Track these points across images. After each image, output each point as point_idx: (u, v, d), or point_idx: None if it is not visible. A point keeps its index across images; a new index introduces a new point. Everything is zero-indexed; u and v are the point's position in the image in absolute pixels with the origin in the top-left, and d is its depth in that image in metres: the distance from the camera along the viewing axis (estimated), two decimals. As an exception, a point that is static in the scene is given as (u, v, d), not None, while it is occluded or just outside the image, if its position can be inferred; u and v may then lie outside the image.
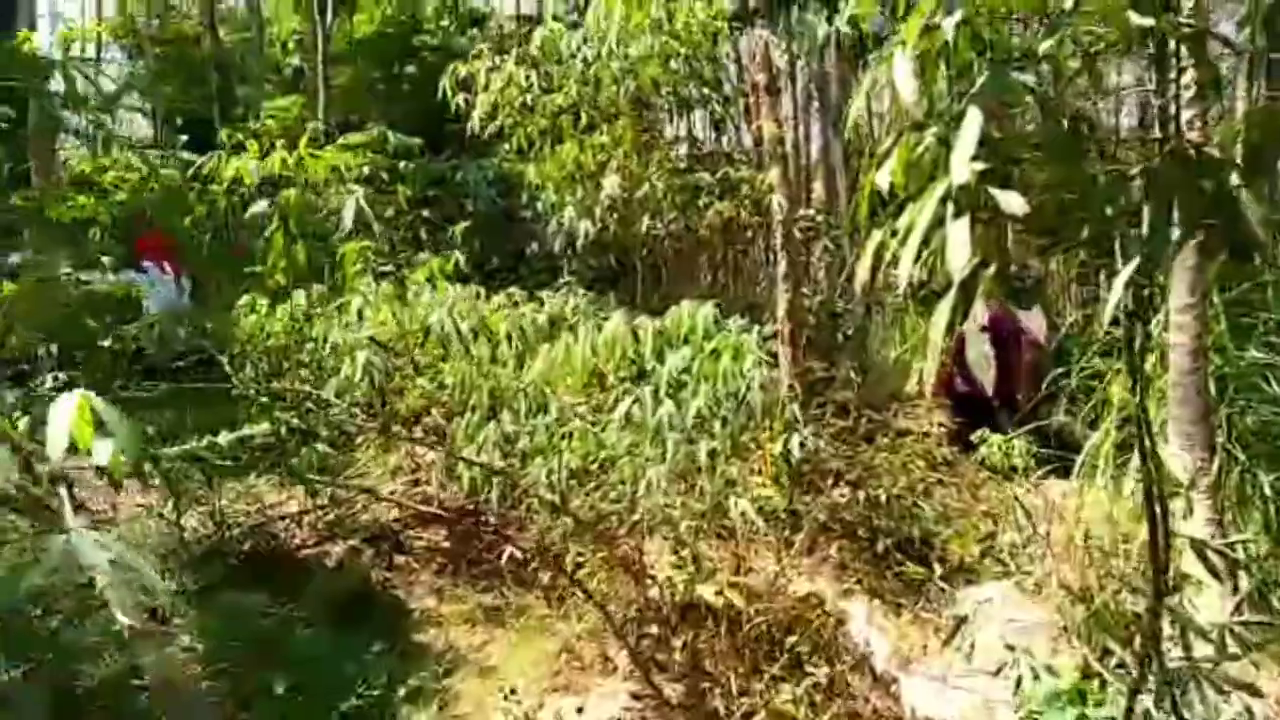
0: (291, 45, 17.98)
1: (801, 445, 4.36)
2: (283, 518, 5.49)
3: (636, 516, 3.88)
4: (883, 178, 2.26)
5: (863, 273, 2.53)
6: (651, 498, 3.66)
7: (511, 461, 4.24)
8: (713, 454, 3.99)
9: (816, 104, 14.84)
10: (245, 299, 5.49)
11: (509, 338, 4.84)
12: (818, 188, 15.37)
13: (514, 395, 4.32)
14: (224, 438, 4.89)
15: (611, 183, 7.01)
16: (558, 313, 4.84)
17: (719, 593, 3.52)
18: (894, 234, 2.31)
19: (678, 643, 3.74)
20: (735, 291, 11.33)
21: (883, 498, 6.74)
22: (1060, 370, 9.22)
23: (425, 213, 8.12)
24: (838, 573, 5.90)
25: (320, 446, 4.95)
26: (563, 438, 4.08)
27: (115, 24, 20.14)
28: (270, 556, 5.32)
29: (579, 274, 8.06)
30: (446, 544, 6.17)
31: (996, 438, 7.92)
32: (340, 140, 7.25)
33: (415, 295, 5.06)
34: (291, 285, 5.18)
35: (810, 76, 13.41)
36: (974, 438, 8.09)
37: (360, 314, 4.87)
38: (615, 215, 7.21)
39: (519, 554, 4.81)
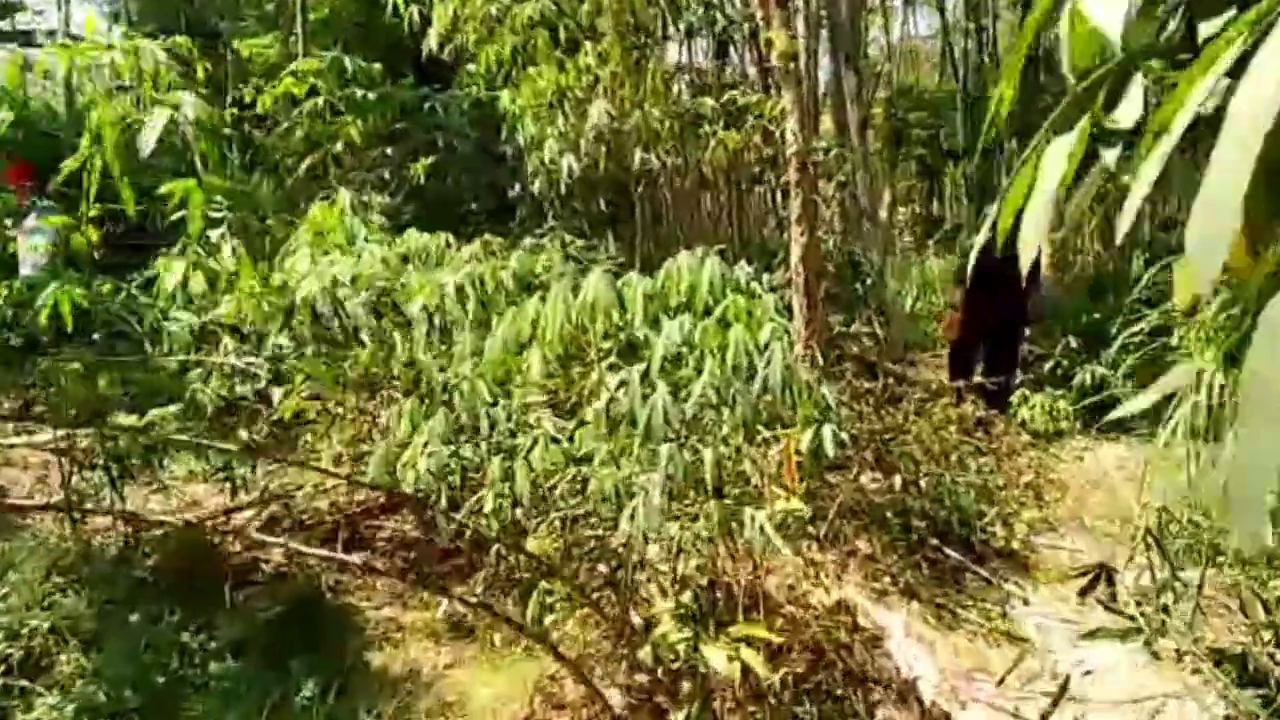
0: (269, -24, 16.69)
1: (837, 441, 3.36)
2: (210, 517, 4.53)
3: (620, 544, 2.92)
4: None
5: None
6: (639, 520, 2.70)
7: (462, 463, 3.27)
8: (720, 463, 2.99)
9: (826, 32, 13.61)
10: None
11: (468, 301, 3.83)
12: (827, 121, 14.22)
13: (466, 377, 3.32)
14: (158, 412, 3.94)
15: (598, 110, 5.95)
16: (525, 269, 3.82)
17: (732, 657, 2.57)
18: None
19: (679, 716, 2.80)
20: (742, 236, 10.27)
21: (914, 474, 5.78)
22: (1095, 317, 8.24)
23: (388, 150, 7.06)
24: (868, 569, 4.95)
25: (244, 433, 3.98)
26: (521, 442, 3.09)
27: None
28: (194, 563, 4.37)
29: (565, 219, 7.00)
30: (414, 533, 5.22)
31: (1037, 397, 6.95)
32: (288, 69, 6.18)
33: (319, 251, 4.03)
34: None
35: (820, -2, 12.20)
36: (1014, 398, 7.12)
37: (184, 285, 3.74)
38: (604, 149, 6.16)
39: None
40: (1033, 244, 1.17)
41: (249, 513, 4.54)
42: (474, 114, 7.73)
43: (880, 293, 8.85)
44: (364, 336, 3.07)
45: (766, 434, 3.49)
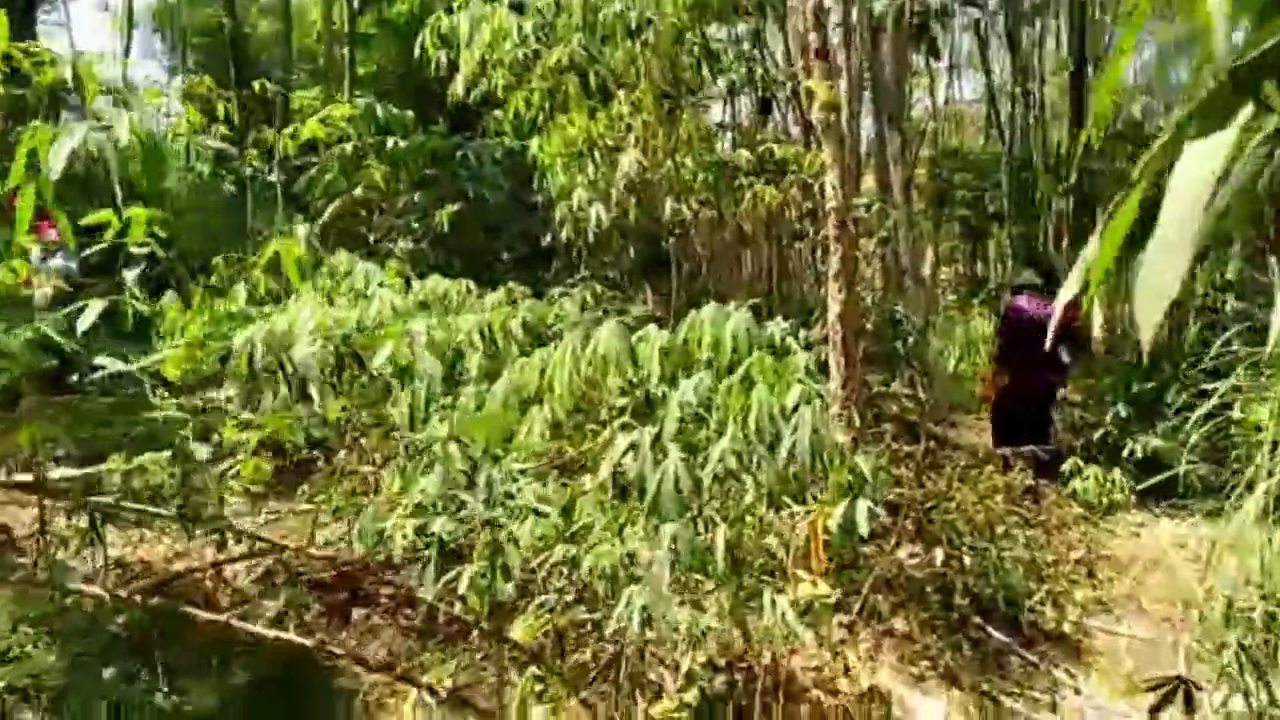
0: (321, 31, 16.94)
1: (872, 517, 2.98)
2: (196, 569, 4.23)
3: (617, 631, 2.55)
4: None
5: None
6: (635, 606, 2.34)
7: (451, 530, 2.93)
8: (737, 541, 2.64)
9: (869, 93, 13.36)
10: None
11: (474, 353, 3.53)
12: (869, 180, 13.93)
13: (443, 439, 3.00)
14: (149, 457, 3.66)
15: (629, 159, 5.70)
16: (537, 318, 3.52)
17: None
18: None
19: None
20: (781, 292, 9.93)
21: (957, 546, 5.35)
22: (1149, 386, 7.75)
23: (415, 196, 6.87)
24: (905, 650, 4.52)
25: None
26: (510, 513, 2.75)
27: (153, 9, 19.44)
28: (176, 618, 4.06)
29: (596, 270, 6.72)
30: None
31: (1091, 468, 6.48)
32: (316, 115, 6.02)
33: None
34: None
35: (864, 56, 11.96)
36: (1065, 467, 6.66)
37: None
38: (634, 199, 5.89)
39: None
40: (1168, 278, 0.83)
41: (240, 565, 4.24)
42: (507, 163, 7.54)
43: (922, 352, 8.45)
44: (316, 391, 2.77)
45: (794, 507, 3.13)
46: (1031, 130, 15.06)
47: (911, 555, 4.93)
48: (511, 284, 5.66)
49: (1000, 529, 5.88)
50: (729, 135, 12.33)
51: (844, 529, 3.05)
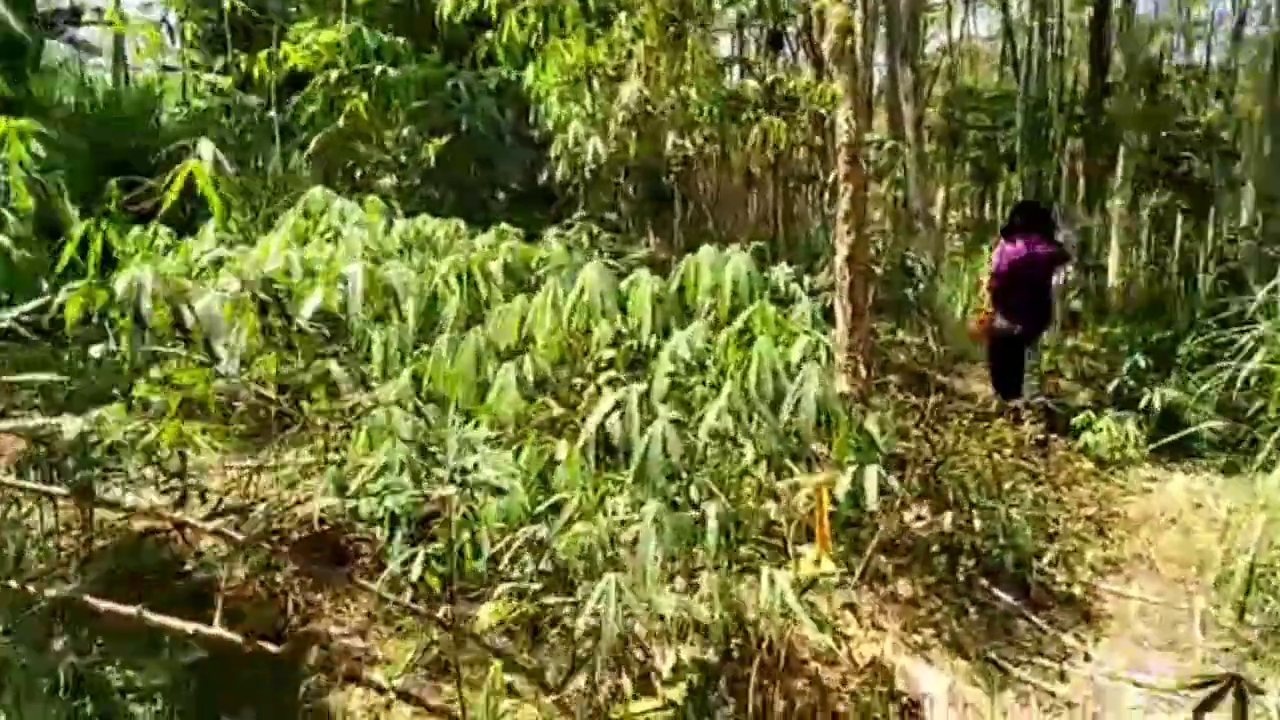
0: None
1: (882, 490, 2.65)
2: (158, 527, 3.92)
3: (591, 620, 2.23)
4: None
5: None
6: (610, 595, 2.03)
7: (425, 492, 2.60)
8: (727, 518, 2.31)
9: (884, 27, 12.76)
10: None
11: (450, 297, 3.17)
12: (880, 119, 13.38)
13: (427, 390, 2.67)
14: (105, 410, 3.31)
15: (630, 89, 5.26)
16: (519, 260, 3.16)
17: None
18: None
19: None
20: (789, 235, 9.54)
21: (964, 505, 5.05)
22: (1167, 335, 7.37)
23: (405, 130, 6.43)
24: (909, 616, 4.23)
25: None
26: (474, 487, 2.40)
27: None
28: (138, 581, 3.77)
29: (595, 209, 6.31)
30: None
31: (1104, 420, 6.15)
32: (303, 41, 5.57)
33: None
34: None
35: (878, -11, 11.37)
36: (1076, 421, 6.33)
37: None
38: (634, 132, 5.46)
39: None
40: None
41: (210, 523, 3.93)
42: (506, 94, 7.05)
43: (931, 298, 8.08)
44: (223, 348, 2.40)
45: (796, 471, 2.79)
46: (1048, 69, 14.42)
47: (917, 516, 4.62)
48: (504, 225, 5.28)
49: (1008, 484, 5.58)
50: (736, 69, 11.77)
51: (852, 497, 2.73)
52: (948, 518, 4.15)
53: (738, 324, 2.64)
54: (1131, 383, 6.48)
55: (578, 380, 3.12)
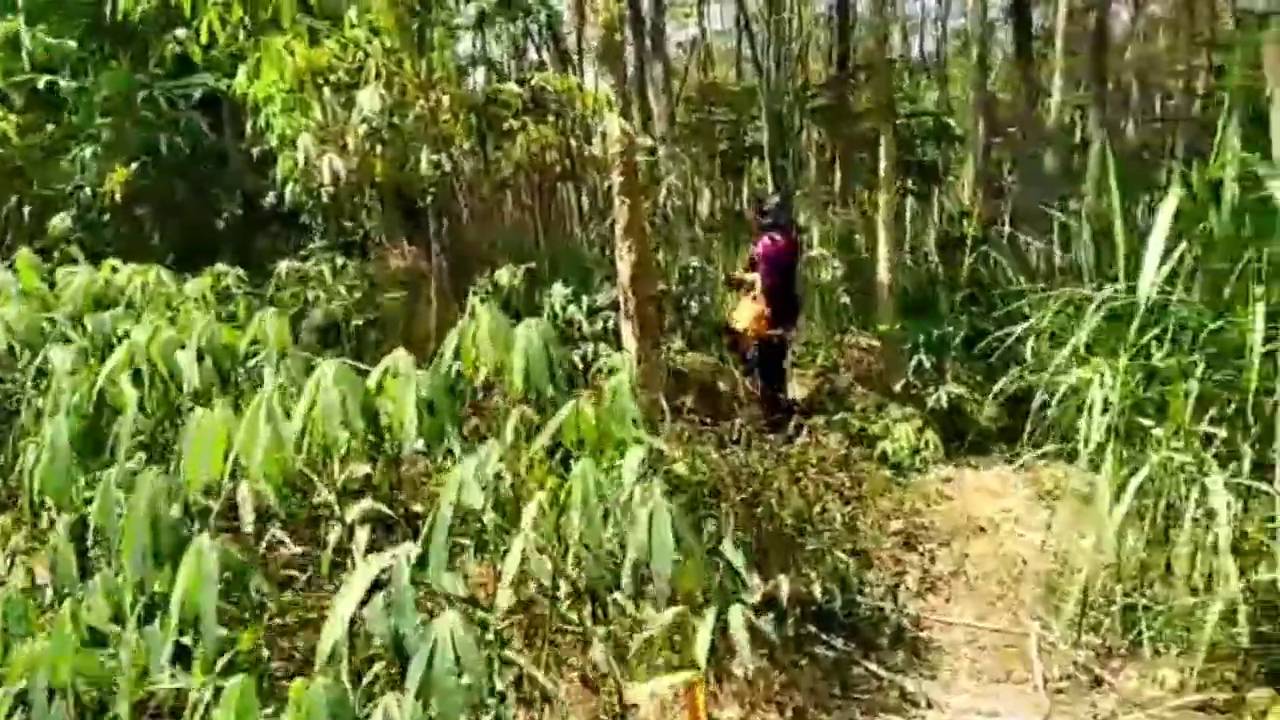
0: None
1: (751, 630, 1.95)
2: None
3: None
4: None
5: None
6: None
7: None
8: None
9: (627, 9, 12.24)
10: None
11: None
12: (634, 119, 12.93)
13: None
14: None
15: (369, 97, 4.31)
16: (222, 345, 2.20)
17: None
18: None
19: None
20: (552, 247, 8.78)
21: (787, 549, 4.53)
22: (945, 330, 7.25)
23: (88, 153, 5.10)
24: (744, 694, 3.61)
25: None
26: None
27: None
28: None
29: (332, 233, 5.28)
30: None
31: (902, 429, 5.86)
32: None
33: None
34: None
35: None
36: (876, 428, 6.01)
37: None
38: (378, 149, 4.51)
39: None
40: None
41: None
42: (218, 106, 5.79)
43: (715, 305, 7.65)
44: None
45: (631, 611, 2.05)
46: (785, 62, 14.53)
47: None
48: (221, 266, 4.19)
49: (818, 508, 5.14)
50: (481, 71, 10.87)
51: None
52: (784, 583, 3.56)
53: (545, 436, 1.85)
54: (917, 383, 6.26)
55: (323, 506, 2.22)
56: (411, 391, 1.95)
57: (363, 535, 1.91)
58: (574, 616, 2.02)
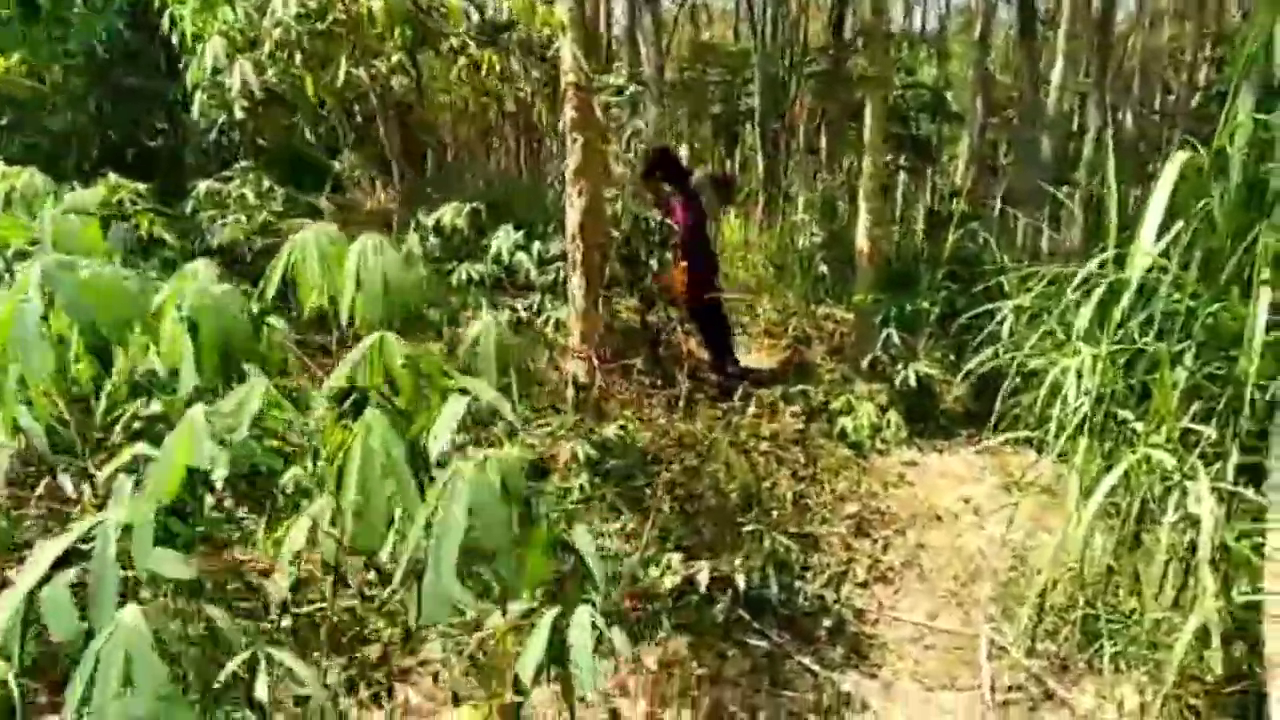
0: None
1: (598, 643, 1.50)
2: None
3: None
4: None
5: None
6: None
7: None
8: None
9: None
10: None
11: None
12: (623, 62, 12.33)
13: None
14: None
15: (285, -1, 3.75)
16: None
17: None
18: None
19: None
20: (533, 195, 8.32)
21: (723, 525, 4.10)
22: (920, 306, 6.76)
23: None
24: (656, 688, 3.18)
25: None
26: None
27: None
28: None
29: (259, 155, 4.75)
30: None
31: (865, 406, 5.41)
32: None
33: None
34: None
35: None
36: (837, 404, 5.56)
37: None
38: (293, 55, 3.97)
39: None
40: None
41: None
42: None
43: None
44: None
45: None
46: (783, 25, 13.92)
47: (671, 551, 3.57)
48: (116, 178, 3.70)
49: (768, 484, 4.71)
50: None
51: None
52: (704, 570, 3.12)
53: (338, 376, 1.38)
54: (885, 358, 5.80)
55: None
56: (186, 319, 1.47)
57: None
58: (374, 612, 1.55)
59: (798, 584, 4.04)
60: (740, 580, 3.57)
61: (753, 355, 7.59)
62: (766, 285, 8.59)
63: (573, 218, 4.78)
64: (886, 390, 5.66)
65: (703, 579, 3.09)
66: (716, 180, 13.58)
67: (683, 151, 14.19)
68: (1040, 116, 12.46)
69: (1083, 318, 3.98)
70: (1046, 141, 11.67)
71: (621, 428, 4.16)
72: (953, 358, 6.25)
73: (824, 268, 7.88)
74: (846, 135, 11.79)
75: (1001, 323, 5.82)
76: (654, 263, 5.53)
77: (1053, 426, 3.90)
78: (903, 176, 15.49)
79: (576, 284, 4.81)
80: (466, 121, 11.56)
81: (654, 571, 3.17)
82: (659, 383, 5.48)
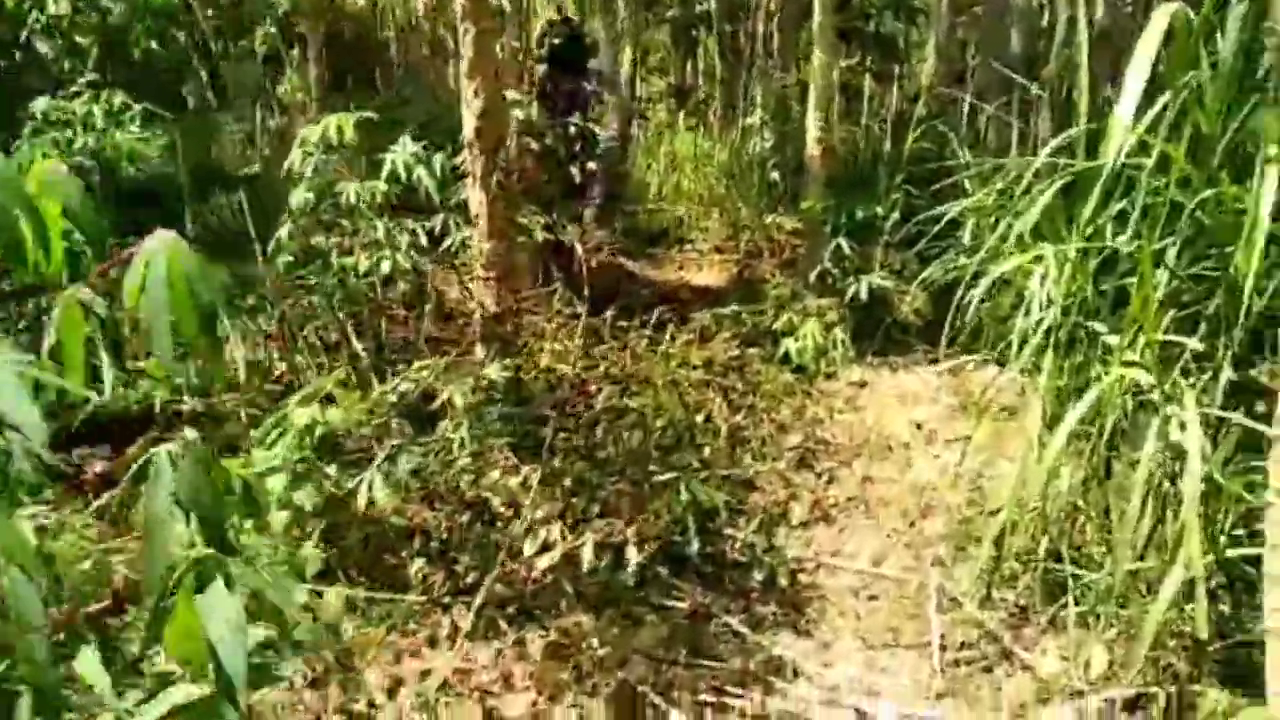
0: None
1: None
2: None
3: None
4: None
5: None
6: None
7: None
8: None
9: None
10: None
11: None
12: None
13: None
14: None
15: None
16: None
17: None
18: None
19: None
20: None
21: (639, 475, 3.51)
22: (874, 212, 6.07)
23: None
24: (547, 673, 2.63)
25: None
26: None
27: None
28: None
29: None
30: None
31: (809, 325, 4.80)
32: None
33: None
34: None
35: None
36: (778, 325, 4.95)
37: None
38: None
39: None
40: None
41: None
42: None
43: (617, 172, 6.51)
44: None
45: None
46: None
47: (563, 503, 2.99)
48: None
49: (700, 416, 4.12)
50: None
51: None
52: (588, 546, 2.54)
53: None
54: (835, 271, 5.17)
55: None
56: None
57: None
58: None
59: (728, 531, 3.49)
60: (656, 535, 3.01)
61: (703, 273, 6.97)
62: (718, 198, 7.91)
63: (469, 122, 4.07)
64: (838, 304, 5.06)
65: (586, 553, 2.51)
66: (679, 91, 12.68)
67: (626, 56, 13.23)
68: (1008, 12, 11.57)
69: (1038, 211, 3.38)
70: (1015, 35, 10.83)
71: (511, 367, 3.54)
72: (910, 267, 5.64)
73: (775, 174, 7.18)
74: (804, 34, 10.91)
75: (960, 225, 5.21)
76: (575, 170, 4.84)
77: (1014, 340, 3.33)
78: (869, 79, 14.59)
79: (476, 200, 4.14)
80: (418, 38, 10.71)
81: (531, 545, 2.59)
82: (579, 309, 4.84)
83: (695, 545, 3.16)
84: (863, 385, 4.78)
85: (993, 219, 5.27)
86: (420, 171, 4.70)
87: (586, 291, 4.83)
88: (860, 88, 14.23)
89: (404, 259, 4.50)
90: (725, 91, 11.19)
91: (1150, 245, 2.56)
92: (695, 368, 4.32)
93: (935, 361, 5.03)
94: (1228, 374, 2.59)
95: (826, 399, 4.58)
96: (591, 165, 5.00)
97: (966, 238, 5.21)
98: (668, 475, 3.36)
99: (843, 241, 5.16)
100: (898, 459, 4.07)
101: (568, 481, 3.18)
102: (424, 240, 4.50)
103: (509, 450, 3.17)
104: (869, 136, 9.20)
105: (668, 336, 4.53)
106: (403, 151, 4.72)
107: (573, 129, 4.90)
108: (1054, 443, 2.67)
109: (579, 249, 4.69)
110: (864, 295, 4.96)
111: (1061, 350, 3.07)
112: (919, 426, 4.30)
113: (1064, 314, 3.01)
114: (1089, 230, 3.04)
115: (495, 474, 2.99)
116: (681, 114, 9.17)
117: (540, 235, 4.60)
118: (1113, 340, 2.80)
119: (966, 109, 7.34)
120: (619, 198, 7.69)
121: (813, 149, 5.95)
